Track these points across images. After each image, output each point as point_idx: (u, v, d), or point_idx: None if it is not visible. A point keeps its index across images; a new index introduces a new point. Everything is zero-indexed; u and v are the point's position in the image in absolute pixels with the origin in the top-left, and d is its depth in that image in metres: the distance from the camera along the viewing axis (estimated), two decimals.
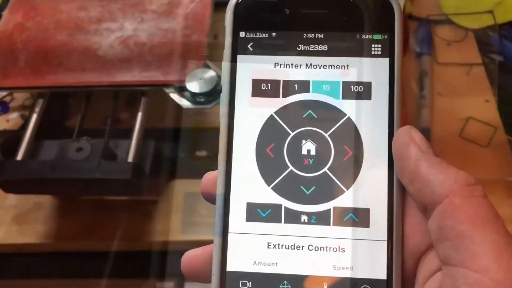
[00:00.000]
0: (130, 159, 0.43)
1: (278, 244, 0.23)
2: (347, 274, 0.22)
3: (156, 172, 0.48)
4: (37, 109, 0.48)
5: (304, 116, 0.24)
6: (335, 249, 0.22)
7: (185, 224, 0.49)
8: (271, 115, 0.24)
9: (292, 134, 0.23)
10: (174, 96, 0.45)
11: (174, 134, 0.52)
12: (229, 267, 0.22)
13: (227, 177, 0.23)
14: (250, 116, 0.24)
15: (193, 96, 0.44)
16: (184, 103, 0.44)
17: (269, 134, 0.23)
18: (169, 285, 0.51)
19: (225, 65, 0.24)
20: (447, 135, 0.53)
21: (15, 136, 0.50)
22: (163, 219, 0.49)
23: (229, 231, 0.23)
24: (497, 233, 0.18)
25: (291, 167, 0.23)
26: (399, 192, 0.22)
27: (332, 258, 0.22)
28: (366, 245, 0.22)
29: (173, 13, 0.50)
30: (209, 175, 0.24)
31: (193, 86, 0.44)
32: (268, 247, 0.23)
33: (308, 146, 0.23)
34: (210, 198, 0.24)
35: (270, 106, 0.24)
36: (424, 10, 0.63)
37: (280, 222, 0.23)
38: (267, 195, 0.23)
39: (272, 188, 0.23)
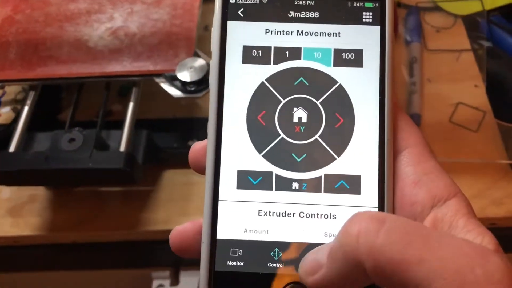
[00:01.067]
0: (122, 148, 0.44)
1: (269, 212, 0.23)
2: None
3: (150, 162, 0.48)
4: (28, 102, 0.48)
5: (295, 84, 0.24)
6: (326, 216, 0.22)
7: (179, 214, 0.49)
8: (262, 83, 0.24)
9: (283, 101, 0.23)
10: (165, 86, 0.45)
11: (166, 123, 0.53)
12: (219, 235, 0.22)
13: (217, 144, 0.23)
14: (241, 84, 0.23)
15: (184, 85, 0.44)
16: (175, 92, 0.45)
17: (260, 102, 0.23)
18: (165, 274, 0.52)
19: (215, 31, 0.24)
20: (437, 121, 0.54)
21: (7, 130, 0.50)
22: (157, 209, 0.49)
23: (219, 199, 0.23)
24: None
25: (282, 135, 0.23)
26: (390, 159, 0.22)
27: (323, 225, 0.22)
28: (357, 211, 0.22)
29: (162, 3, 0.50)
30: (197, 145, 0.24)
31: (184, 75, 0.44)
32: (259, 215, 0.23)
33: (299, 114, 0.23)
34: (199, 168, 0.24)
35: (261, 73, 0.24)
36: None
37: (271, 189, 0.23)
38: (258, 163, 0.23)
39: (263, 155, 0.23)
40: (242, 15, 0.24)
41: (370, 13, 0.24)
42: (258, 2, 0.24)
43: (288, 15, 0.24)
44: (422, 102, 0.55)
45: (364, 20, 0.24)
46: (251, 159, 0.23)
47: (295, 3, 0.24)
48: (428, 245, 0.17)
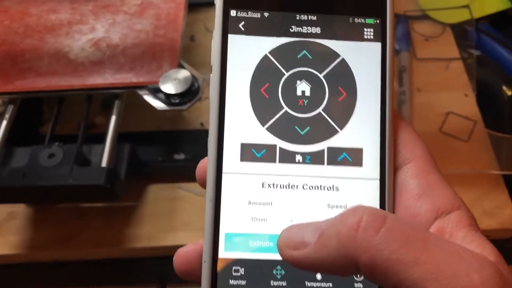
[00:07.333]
0: (103, 164, 0.42)
1: (273, 184, 0.23)
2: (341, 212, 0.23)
3: (133, 177, 0.47)
4: (7, 116, 0.46)
5: (299, 57, 0.24)
6: (329, 188, 0.23)
7: (164, 229, 0.48)
8: (266, 55, 0.24)
9: (286, 74, 0.24)
10: (148, 98, 0.44)
11: (150, 136, 0.51)
12: (221, 254, 0.22)
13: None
14: (244, 56, 0.24)
15: (168, 98, 0.43)
16: (159, 104, 0.43)
17: (264, 74, 0.24)
18: None
19: (215, 44, 0.23)
20: (427, 131, 0.53)
21: None
22: (141, 225, 0.48)
23: (223, 171, 0.23)
24: None
25: (285, 108, 0.23)
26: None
27: (326, 197, 0.23)
28: (359, 183, 0.23)
29: (145, 14, 0.49)
30: (204, 162, 0.23)
31: (167, 87, 0.43)
32: (262, 187, 0.23)
33: (303, 87, 0.24)
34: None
35: (264, 45, 0.24)
36: (402, 6, 0.62)
37: (274, 162, 0.23)
38: (262, 136, 0.23)
39: (266, 128, 0.23)
40: (243, 29, 0.24)
41: (371, 29, 0.24)
42: (259, 16, 0.24)
43: (290, 29, 0.24)
44: (412, 112, 0.54)
45: (365, 36, 0.24)
46: (255, 132, 0.23)
47: (297, 18, 0.24)
48: (425, 247, 0.17)
